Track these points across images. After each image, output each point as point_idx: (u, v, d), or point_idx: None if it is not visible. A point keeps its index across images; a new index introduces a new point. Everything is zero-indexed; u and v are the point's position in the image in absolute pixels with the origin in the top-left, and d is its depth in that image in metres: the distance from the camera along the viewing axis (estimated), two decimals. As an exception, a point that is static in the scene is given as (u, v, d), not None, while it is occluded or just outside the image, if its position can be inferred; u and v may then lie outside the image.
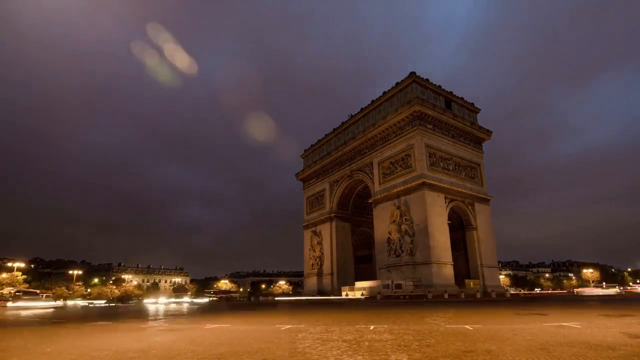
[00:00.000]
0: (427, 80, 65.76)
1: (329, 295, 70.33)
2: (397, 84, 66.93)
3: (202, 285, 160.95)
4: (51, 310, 41.71)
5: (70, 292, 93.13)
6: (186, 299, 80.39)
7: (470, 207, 64.63)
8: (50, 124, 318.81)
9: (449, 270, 56.98)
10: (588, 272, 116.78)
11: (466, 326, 13.44)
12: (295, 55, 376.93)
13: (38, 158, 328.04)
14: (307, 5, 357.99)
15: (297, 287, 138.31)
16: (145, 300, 78.64)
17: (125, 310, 40.16)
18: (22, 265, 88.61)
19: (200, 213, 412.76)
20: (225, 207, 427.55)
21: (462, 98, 70.86)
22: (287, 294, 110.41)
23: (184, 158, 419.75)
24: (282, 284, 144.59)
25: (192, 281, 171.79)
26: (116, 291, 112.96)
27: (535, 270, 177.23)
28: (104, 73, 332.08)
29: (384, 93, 69.69)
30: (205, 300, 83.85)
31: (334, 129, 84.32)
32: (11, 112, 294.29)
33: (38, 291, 66.29)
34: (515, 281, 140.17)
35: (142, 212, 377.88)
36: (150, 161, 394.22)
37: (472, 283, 59.65)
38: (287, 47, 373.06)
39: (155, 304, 61.75)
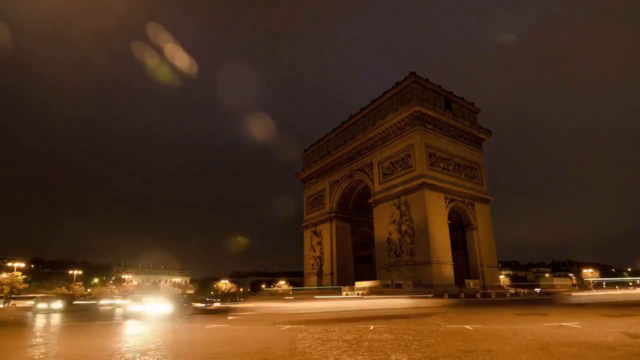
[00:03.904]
0: (427, 80, 65.71)
1: (328, 295, 70.05)
2: (397, 83, 66.86)
3: (202, 285, 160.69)
4: None
5: (71, 292, 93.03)
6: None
7: (470, 207, 64.61)
8: (49, 123, 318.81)
9: (448, 270, 56.97)
10: (588, 272, 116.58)
11: (466, 326, 13.43)
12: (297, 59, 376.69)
13: (37, 157, 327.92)
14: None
15: (297, 287, 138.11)
16: None
17: None
18: (22, 265, 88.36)
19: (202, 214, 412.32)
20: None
21: (462, 98, 70.82)
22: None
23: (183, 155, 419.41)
24: (282, 283, 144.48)
25: (192, 281, 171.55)
26: (116, 291, 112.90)
27: (535, 270, 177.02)
28: (104, 70, 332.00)
29: (384, 93, 69.61)
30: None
31: (334, 129, 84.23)
32: (12, 109, 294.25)
33: None
34: (515, 281, 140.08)
35: (142, 211, 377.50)
36: (151, 161, 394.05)
37: (472, 283, 59.64)
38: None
39: None
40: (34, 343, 11.63)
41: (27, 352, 9.80)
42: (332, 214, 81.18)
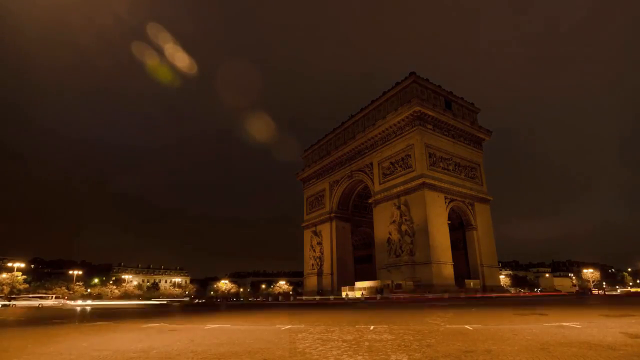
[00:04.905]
0: (427, 80, 65.74)
1: (328, 295, 70.14)
2: (397, 84, 66.91)
3: (202, 285, 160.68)
4: None
5: (71, 292, 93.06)
6: None
7: (470, 207, 64.63)
8: (49, 123, 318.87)
9: (448, 270, 56.99)
10: (588, 272, 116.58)
11: (466, 326, 13.43)
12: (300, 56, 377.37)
13: (37, 156, 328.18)
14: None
15: (298, 287, 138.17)
16: None
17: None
18: (22, 265, 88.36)
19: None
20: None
21: (462, 98, 70.85)
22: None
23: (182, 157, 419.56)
24: (282, 284, 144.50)
25: (192, 281, 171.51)
26: (116, 291, 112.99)
27: (535, 270, 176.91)
28: (104, 71, 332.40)
29: (384, 93, 69.66)
30: None
31: (334, 129, 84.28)
32: (10, 110, 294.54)
33: None
34: (515, 281, 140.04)
35: (142, 211, 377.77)
36: (151, 161, 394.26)
37: (472, 283, 59.68)
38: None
39: None
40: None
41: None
42: (332, 214, 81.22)
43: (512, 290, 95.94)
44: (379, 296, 53.94)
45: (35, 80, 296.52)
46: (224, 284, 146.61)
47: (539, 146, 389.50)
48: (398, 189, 61.90)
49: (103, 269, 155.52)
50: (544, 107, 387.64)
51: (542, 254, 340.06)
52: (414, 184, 59.33)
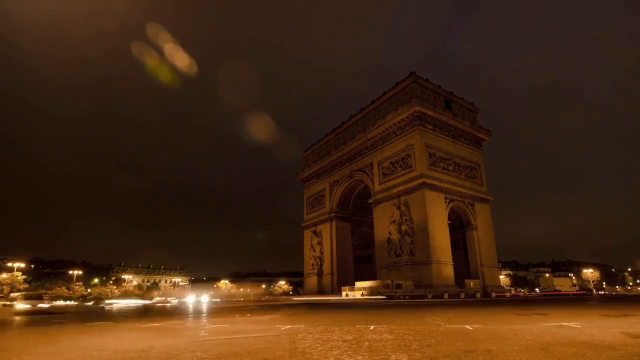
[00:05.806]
0: (427, 80, 65.74)
1: (329, 295, 70.09)
2: (397, 83, 66.90)
3: (202, 285, 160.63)
4: None
5: (71, 293, 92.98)
6: None
7: (470, 207, 64.61)
8: (50, 123, 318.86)
9: (448, 270, 56.98)
10: (588, 272, 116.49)
11: (466, 326, 13.43)
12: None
13: (38, 156, 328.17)
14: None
15: (298, 287, 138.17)
16: None
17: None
18: (22, 265, 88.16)
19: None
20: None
21: (462, 98, 70.84)
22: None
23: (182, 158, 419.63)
24: (282, 284, 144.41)
25: (192, 281, 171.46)
26: (116, 291, 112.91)
27: (535, 270, 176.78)
28: (103, 70, 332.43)
29: (384, 93, 69.64)
30: None
31: (334, 129, 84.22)
32: (11, 110, 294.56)
33: None
34: (515, 281, 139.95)
35: (142, 211, 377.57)
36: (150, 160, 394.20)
37: (472, 283, 59.65)
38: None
39: None
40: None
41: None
42: (332, 214, 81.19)
43: (512, 290, 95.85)
44: (378, 296, 53.89)
45: (35, 78, 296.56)
46: (224, 284, 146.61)
47: (538, 145, 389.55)
48: (398, 189, 61.87)
49: (103, 269, 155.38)
50: (544, 104, 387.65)
51: (542, 254, 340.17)
52: (414, 184, 59.31)
